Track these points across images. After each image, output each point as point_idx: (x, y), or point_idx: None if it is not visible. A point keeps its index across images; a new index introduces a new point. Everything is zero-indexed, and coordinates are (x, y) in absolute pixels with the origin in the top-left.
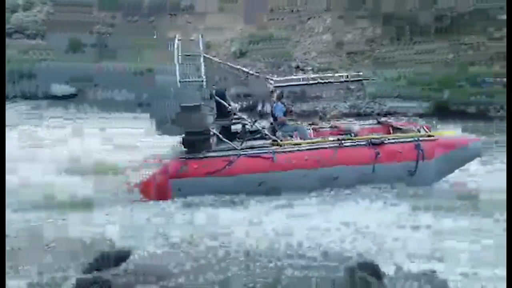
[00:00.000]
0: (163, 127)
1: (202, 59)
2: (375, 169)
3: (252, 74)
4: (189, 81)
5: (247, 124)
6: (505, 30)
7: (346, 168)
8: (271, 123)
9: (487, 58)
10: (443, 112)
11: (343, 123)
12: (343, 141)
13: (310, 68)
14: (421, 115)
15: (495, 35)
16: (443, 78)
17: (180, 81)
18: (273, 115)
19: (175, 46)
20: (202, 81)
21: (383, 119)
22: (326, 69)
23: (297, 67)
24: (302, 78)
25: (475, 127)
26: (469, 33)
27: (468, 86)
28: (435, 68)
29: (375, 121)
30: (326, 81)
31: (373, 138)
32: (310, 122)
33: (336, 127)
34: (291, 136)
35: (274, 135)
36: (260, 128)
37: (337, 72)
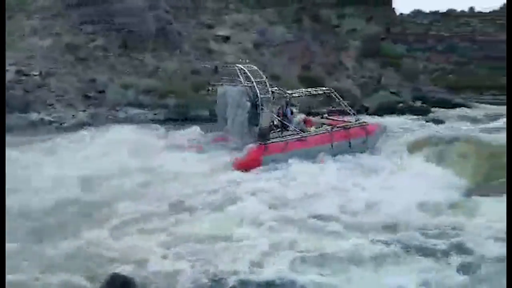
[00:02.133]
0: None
1: (267, 81)
2: (350, 143)
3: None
4: (264, 97)
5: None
6: None
7: (337, 143)
8: (282, 120)
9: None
10: (182, 117)
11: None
12: (333, 129)
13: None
14: (163, 121)
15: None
16: (171, 87)
17: (261, 97)
18: (284, 115)
19: (246, 72)
20: (269, 96)
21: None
22: (54, 74)
23: (19, 71)
24: (301, 91)
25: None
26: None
27: (193, 93)
28: (162, 78)
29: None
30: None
31: (346, 126)
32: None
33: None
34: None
35: (285, 128)
36: (291, 125)
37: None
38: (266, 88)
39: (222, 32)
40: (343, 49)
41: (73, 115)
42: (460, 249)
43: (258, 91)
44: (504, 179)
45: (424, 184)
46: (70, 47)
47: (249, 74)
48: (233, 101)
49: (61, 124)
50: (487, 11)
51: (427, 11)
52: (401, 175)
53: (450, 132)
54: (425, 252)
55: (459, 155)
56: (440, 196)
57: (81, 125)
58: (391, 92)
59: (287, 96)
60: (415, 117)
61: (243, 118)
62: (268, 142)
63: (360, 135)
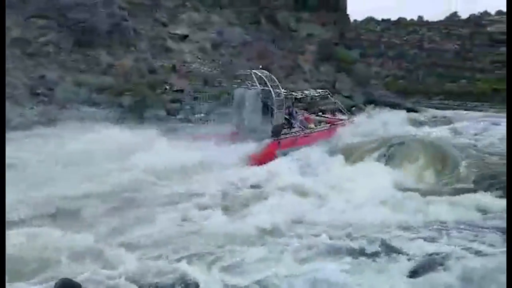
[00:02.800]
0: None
1: (278, 84)
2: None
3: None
4: (277, 98)
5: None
6: None
7: (335, 137)
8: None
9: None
10: (138, 116)
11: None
12: (332, 125)
13: None
14: (117, 120)
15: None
16: (126, 85)
17: (276, 98)
18: (290, 114)
19: (264, 76)
20: (282, 98)
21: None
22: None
23: None
24: (303, 93)
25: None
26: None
27: (149, 92)
28: (117, 75)
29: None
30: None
31: (342, 123)
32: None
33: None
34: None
35: (290, 125)
36: (296, 122)
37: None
38: (279, 90)
39: (179, 30)
40: (300, 53)
41: (20, 113)
42: (393, 247)
43: (273, 94)
44: (448, 180)
45: (372, 183)
46: (19, 42)
47: (264, 79)
48: (249, 102)
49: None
50: (435, 20)
51: (380, 18)
52: (350, 174)
53: (399, 134)
54: (354, 248)
55: (406, 156)
56: (385, 195)
57: (30, 124)
58: (345, 96)
59: (292, 97)
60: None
61: (258, 117)
62: (281, 138)
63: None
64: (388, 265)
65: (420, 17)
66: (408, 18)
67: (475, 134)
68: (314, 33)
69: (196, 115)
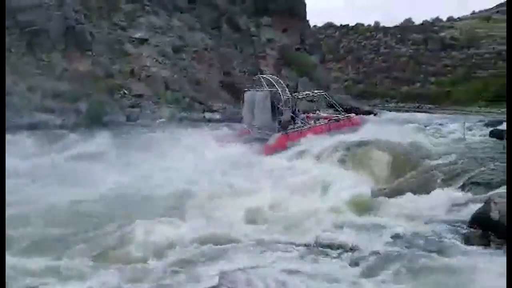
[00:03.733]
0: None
1: (285, 86)
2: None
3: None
4: (286, 98)
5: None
6: None
7: (333, 131)
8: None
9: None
10: (96, 122)
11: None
12: (329, 121)
13: None
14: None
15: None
16: (82, 90)
17: (284, 99)
18: (293, 112)
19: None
20: (288, 97)
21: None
22: None
23: None
24: (304, 94)
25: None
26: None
27: (107, 97)
28: (72, 80)
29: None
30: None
31: (338, 119)
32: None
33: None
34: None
35: (294, 121)
36: (299, 119)
37: None
38: (286, 92)
39: (138, 34)
40: (261, 58)
41: None
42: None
43: (281, 95)
44: (403, 180)
45: (333, 184)
46: None
47: (273, 82)
48: (259, 102)
49: None
50: (391, 26)
51: (338, 24)
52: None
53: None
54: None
55: (365, 158)
56: (345, 195)
57: None
58: (308, 100)
59: (295, 97)
60: None
61: (268, 115)
62: (289, 131)
63: (348, 126)
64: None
65: (376, 23)
66: (366, 24)
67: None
68: (275, 38)
69: (157, 120)
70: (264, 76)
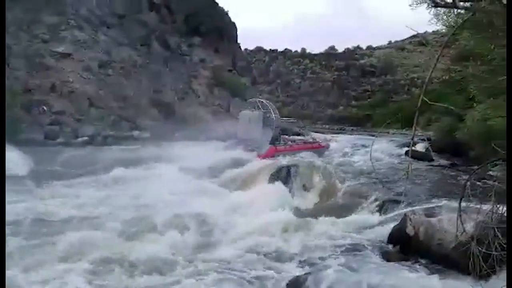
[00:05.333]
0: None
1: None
2: (313, 151)
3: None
4: (275, 119)
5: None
6: None
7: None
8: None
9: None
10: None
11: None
12: (305, 143)
13: None
14: None
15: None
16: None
17: (275, 118)
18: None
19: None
20: (278, 118)
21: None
22: None
23: None
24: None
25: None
26: None
27: (24, 114)
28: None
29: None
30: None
31: (311, 142)
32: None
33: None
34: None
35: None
36: (280, 139)
37: None
38: (277, 113)
39: (61, 48)
40: (193, 77)
41: None
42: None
43: (273, 116)
44: (332, 202)
45: (263, 204)
46: None
47: (266, 104)
48: (253, 121)
49: None
50: (316, 52)
51: (268, 49)
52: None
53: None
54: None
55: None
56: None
57: None
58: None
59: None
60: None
61: (259, 131)
62: (277, 145)
63: (317, 147)
64: None
65: (303, 49)
66: (293, 50)
67: (351, 155)
68: (207, 59)
69: (78, 139)
70: (259, 99)
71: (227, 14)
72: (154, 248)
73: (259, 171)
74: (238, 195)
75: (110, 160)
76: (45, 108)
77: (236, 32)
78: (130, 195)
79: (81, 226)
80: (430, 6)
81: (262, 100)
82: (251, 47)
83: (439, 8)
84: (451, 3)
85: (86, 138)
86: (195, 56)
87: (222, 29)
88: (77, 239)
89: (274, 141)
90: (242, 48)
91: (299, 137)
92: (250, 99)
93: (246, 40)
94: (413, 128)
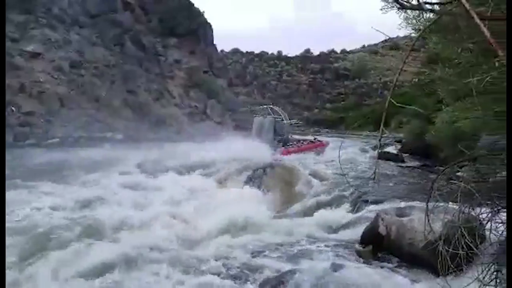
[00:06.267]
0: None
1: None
2: (318, 150)
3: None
4: (286, 124)
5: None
6: None
7: (313, 150)
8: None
9: None
10: None
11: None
12: (310, 142)
13: None
14: None
15: None
16: None
17: (286, 123)
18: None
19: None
20: (289, 123)
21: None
22: None
23: None
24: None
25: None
26: None
27: None
28: None
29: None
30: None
31: (315, 142)
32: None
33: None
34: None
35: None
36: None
37: None
38: (287, 118)
39: (30, 47)
40: (169, 78)
41: None
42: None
43: (285, 121)
44: (304, 202)
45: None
46: None
47: (276, 110)
48: (266, 126)
49: None
50: (291, 55)
51: (244, 51)
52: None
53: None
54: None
55: (271, 179)
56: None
57: None
58: (216, 122)
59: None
60: (238, 142)
61: (271, 135)
62: (288, 146)
63: (321, 146)
64: None
65: (279, 52)
66: (269, 52)
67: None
68: (183, 60)
69: (49, 140)
70: (270, 106)
71: (203, 15)
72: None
73: (236, 172)
74: (210, 195)
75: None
76: (13, 108)
77: (212, 34)
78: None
79: None
80: (397, 9)
81: (272, 106)
82: (228, 48)
83: (408, 12)
84: (417, 5)
85: (57, 139)
86: (170, 57)
87: (198, 30)
88: None
89: (285, 143)
90: (219, 50)
91: (302, 138)
92: (261, 106)
93: (223, 42)
94: (380, 130)
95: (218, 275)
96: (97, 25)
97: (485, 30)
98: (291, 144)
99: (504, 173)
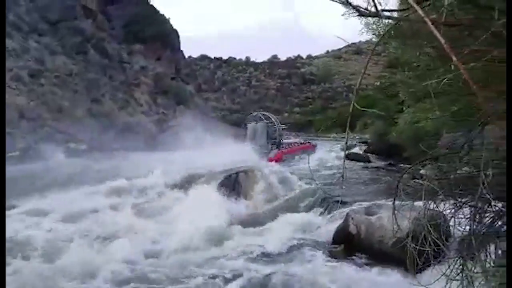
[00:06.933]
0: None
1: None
2: (309, 151)
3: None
4: (279, 128)
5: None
6: None
7: (304, 151)
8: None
9: None
10: None
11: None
12: (302, 143)
13: None
14: None
15: None
16: None
17: (278, 128)
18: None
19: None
20: (281, 128)
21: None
22: None
23: None
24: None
25: None
26: None
27: None
28: None
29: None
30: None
31: (306, 143)
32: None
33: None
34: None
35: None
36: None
37: None
38: (279, 124)
39: None
40: (135, 85)
41: None
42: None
43: (278, 126)
44: (276, 205)
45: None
46: None
47: (268, 116)
48: (260, 131)
49: None
50: (259, 61)
51: (212, 56)
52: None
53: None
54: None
55: (246, 184)
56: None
57: None
58: (186, 129)
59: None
60: (209, 150)
61: (264, 139)
62: (282, 149)
63: (311, 148)
64: None
65: (247, 58)
66: (238, 58)
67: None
68: (149, 67)
69: (9, 154)
70: (262, 112)
71: (168, 21)
72: None
73: (208, 179)
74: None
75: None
76: None
77: (179, 40)
78: None
79: None
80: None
81: (264, 113)
82: (195, 54)
83: (369, 18)
84: (374, 12)
85: (17, 152)
86: (135, 64)
87: (164, 36)
88: None
89: (279, 146)
90: (186, 56)
91: (291, 140)
92: (253, 113)
93: (190, 48)
94: (346, 133)
95: (194, 278)
96: (57, 32)
97: (438, 35)
98: (284, 147)
99: (464, 169)
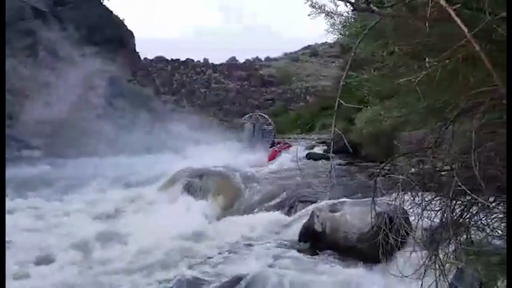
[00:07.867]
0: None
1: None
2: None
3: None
4: (273, 128)
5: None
6: None
7: (287, 150)
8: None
9: None
10: None
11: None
12: (285, 144)
13: None
14: None
15: None
16: None
17: (273, 128)
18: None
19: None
20: (274, 127)
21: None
22: None
23: None
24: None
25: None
26: None
27: None
28: None
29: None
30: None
31: (289, 144)
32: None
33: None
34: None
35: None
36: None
37: None
38: (272, 124)
39: None
40: (89, 88)
41: None
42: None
43: (271, 126)
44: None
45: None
46: None
47: (265, 117)
48: (255, 131)
49: None
50: (219, 63)
51: (169, 58)
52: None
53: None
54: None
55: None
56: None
57: None
58: (145, 132)
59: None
60: (172, 154)
61: (260, 138)
62: (275, 147)
63: (289, 147)
64: None
65: (206, 59)
66: (195, 59)
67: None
68: (104, 69)
69: None
70: (259, 113)
71: (123, 23)
72: None
73: (173, 181)
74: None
75: None
76: None
77: (134, 41)
78: None
79: None
80: (325, 14)
81: (260, 113)
82: (151, 56)
83: (335, 19)
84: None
85: None
86: (90, 66)
87: (119, 38)
88: None
89: (272, 145)
90: (142, 57)
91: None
92: (249, 114)
93: (145, 50)
94: (333, 130)
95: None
96: (5, 34)
97: (459, 23)
98: (275, 146)
99: (435, 164)
